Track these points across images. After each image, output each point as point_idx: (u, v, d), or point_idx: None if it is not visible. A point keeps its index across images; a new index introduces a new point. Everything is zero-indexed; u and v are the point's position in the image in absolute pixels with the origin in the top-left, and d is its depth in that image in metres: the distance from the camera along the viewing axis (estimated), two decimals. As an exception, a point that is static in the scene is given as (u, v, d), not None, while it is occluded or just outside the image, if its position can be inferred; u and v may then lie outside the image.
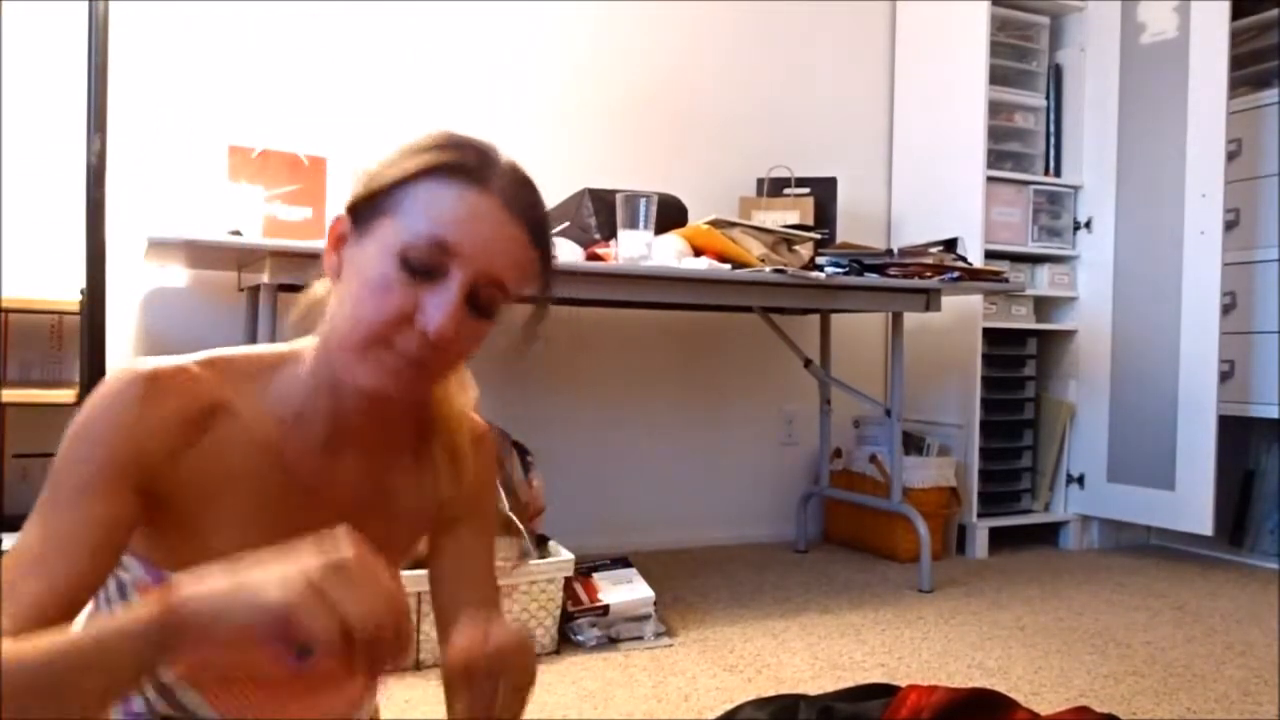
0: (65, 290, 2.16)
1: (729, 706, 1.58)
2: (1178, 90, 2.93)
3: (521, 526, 2.03)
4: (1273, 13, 3.15)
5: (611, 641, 2.06)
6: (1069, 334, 3.27)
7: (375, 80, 2.64)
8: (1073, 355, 3.27)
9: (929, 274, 2.51)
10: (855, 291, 2.53)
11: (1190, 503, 2.89)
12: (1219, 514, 2.88)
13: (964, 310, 3.08)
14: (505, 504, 2.06)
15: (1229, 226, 2.97)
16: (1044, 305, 3.32)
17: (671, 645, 2.07)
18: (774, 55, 3.22)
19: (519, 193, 0.80)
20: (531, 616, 1.96)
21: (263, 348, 0.86)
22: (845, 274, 2.42)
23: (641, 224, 2.23)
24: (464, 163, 0.78)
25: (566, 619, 2.05)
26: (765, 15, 3.20)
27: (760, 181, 3.00)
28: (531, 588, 1.96)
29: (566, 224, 2.41)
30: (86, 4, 2.01)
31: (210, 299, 2.45)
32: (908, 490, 2.85)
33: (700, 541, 3.08)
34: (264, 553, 0.64)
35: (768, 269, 2.30)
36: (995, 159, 3.17)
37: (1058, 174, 3.31)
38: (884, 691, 1.53)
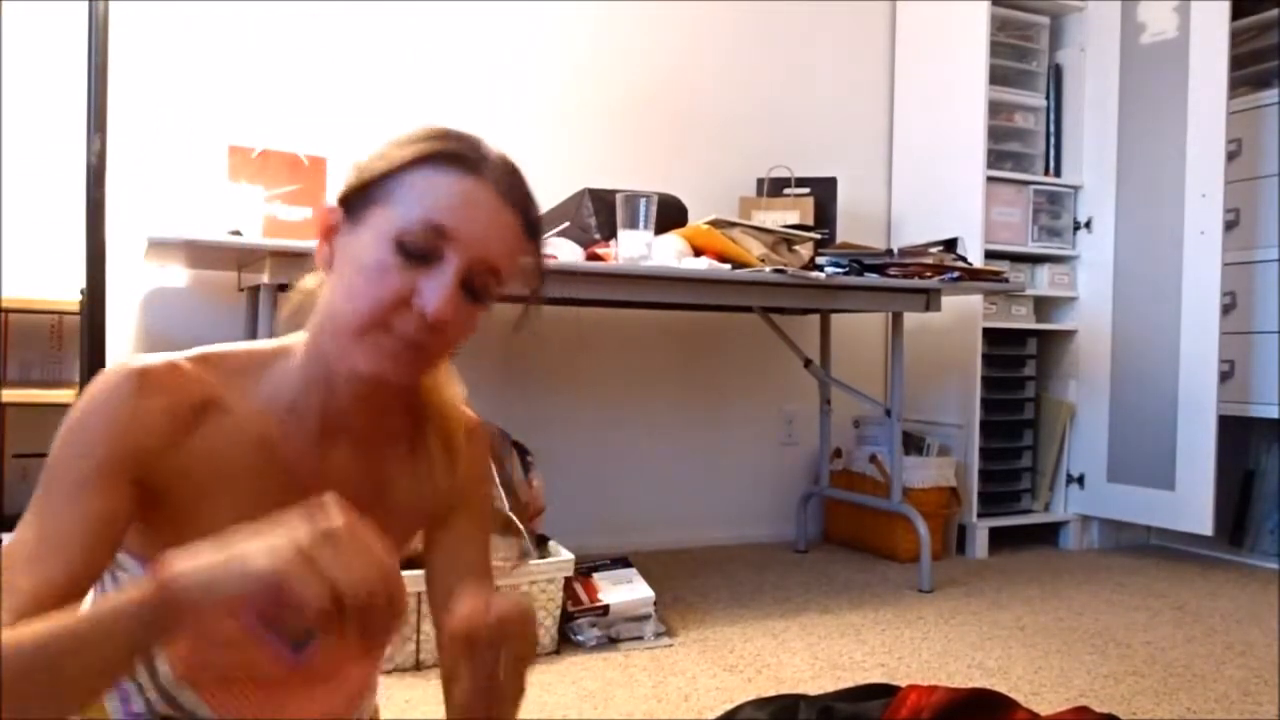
0: (65, 290, 2.16)
1: (729, 706, 1.58)
2: (1178, 90, 2.94)
3: (521, 526, 2.03)
4: (1273, 13, 3.15)
5: (611, 641, 2.06)
6: (1069, 334, 3.28)
7: (375, 80, 2.64)
8: (1073, 355, 3.27)
9: (929, 274, 2.51)
10: (855, 291, 2.53)
11: (1190, 503, 2.89)
12: (1219, 514, 2.89)
13: (964, 310, 3.08)
14: (505, 504, 2.06)
15: (1229, 226, 2.97)
16: (1044, 305, 3.32)
17: (671, 645, 2.07)
18: (774, 55, 3.22)
19: (510, 181, 0.82)
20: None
21: (254, 344, 0.86)
22: (845, 274, 2.42)
23: (641, 224, 2.23)
24: (456, 151, 0.79)
25: (566, 619, 2.05)
26: (765, 15, 3.20)
27: (760, 181, 3.00)
28: (531, 588, 1.97)
29: (566, 224, 2.41)
30: (86, 4, 2.01)
31: (210, 299, 2.45)
32: (908, 490, 2.85)
33: (700, 541, 3.08)
34: (254, 526, 0.65)
35: (768, 269, 2.30)
36: (995, 159, 3.17)
37: (1058, 174, 3.31)
38: (884, 691, 1.53)
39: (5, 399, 1.98)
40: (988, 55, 3.05)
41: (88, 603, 0.82)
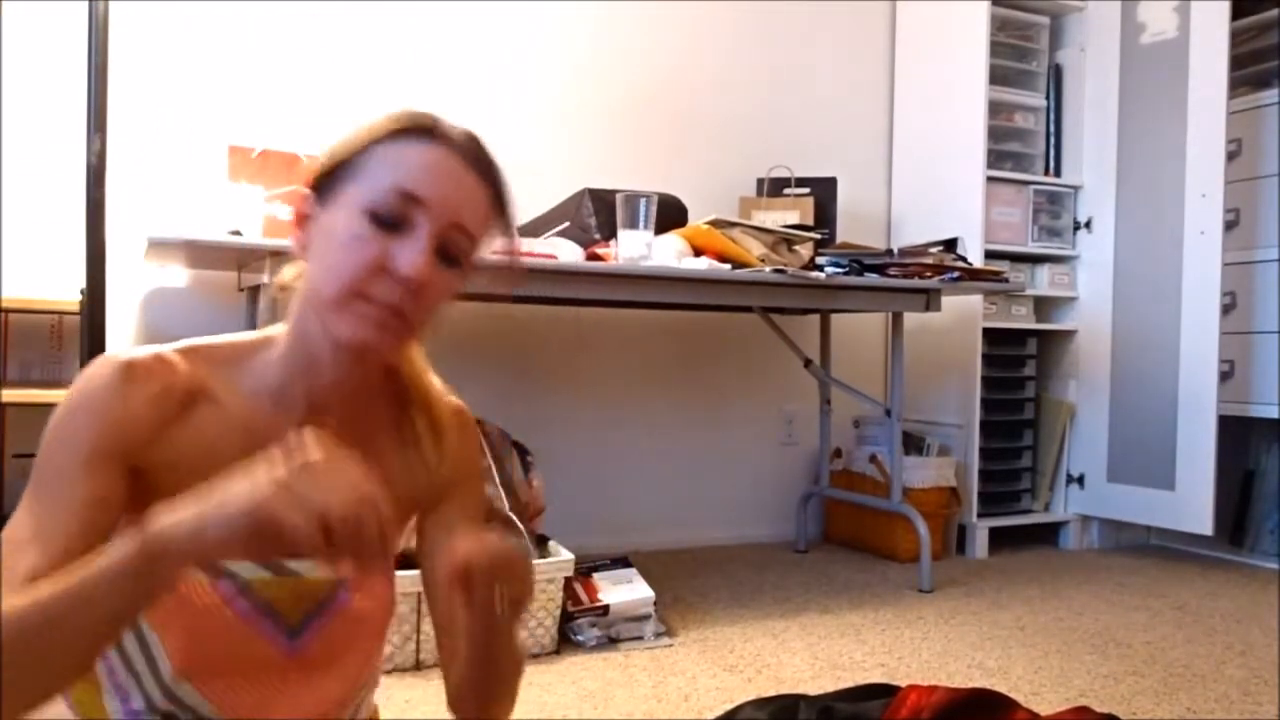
0: (65, 290, 2.16)
1: (729, 706, 1.58)
2: (1178, 90, 2.94)
3: (521, 526, 2.03)
4: (1273, 13, 3.15)
5: (611, 641, 2.06)
6: (1069, 334, 3.28)
7: (375, 80, 2.64)
8: (1073, 355, 3.27)
9: (929, 274, 2.51)
10: (855, 291, 2.53)
11: (1190, 503, 2.89)
12: (1219, 514, 2.89)
13: (964, 310, 3.08)
14: (505, 504, 2.06)
15: (1229, 226, 2.97)
16: (1044, 305, 3.32)
17: (671, 645, 2.07)
18: (774, 55, 3.22)
19: (475, 149, 0.83)
20: (531, 616, 1.96)
21: (239, 335, 0.87)
22: (845, 274, 2.42)
23: (641, 224, 2.23)
24: (418, 124, 0.82)
25: (566, 619, 2.05)
26: (765, 15, 3.20)
27: (760, 181, 3.00)
28: (531, 588, 1.96)
29: (566, 224, 2.41)
30: (86, 4, 2.01)
31: (210, 299, 2.45)
32: (908, 490, 2.85)
33: (700, 541, 3.08)
34: (231, 472, 0.66)
35: (768, 269, 2.30)
36: (995, 159, 3.17)
37: (1058, 174, 3.31)
38: (884, 691, 1.53)
39: (5, 399, 1.98)
40: (988, 55, 3.05)
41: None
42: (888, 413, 2.75)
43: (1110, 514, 3.16)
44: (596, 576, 2.15)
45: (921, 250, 2.63)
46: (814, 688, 1.76)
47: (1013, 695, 1.57)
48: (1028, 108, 3.28)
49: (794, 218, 2.84)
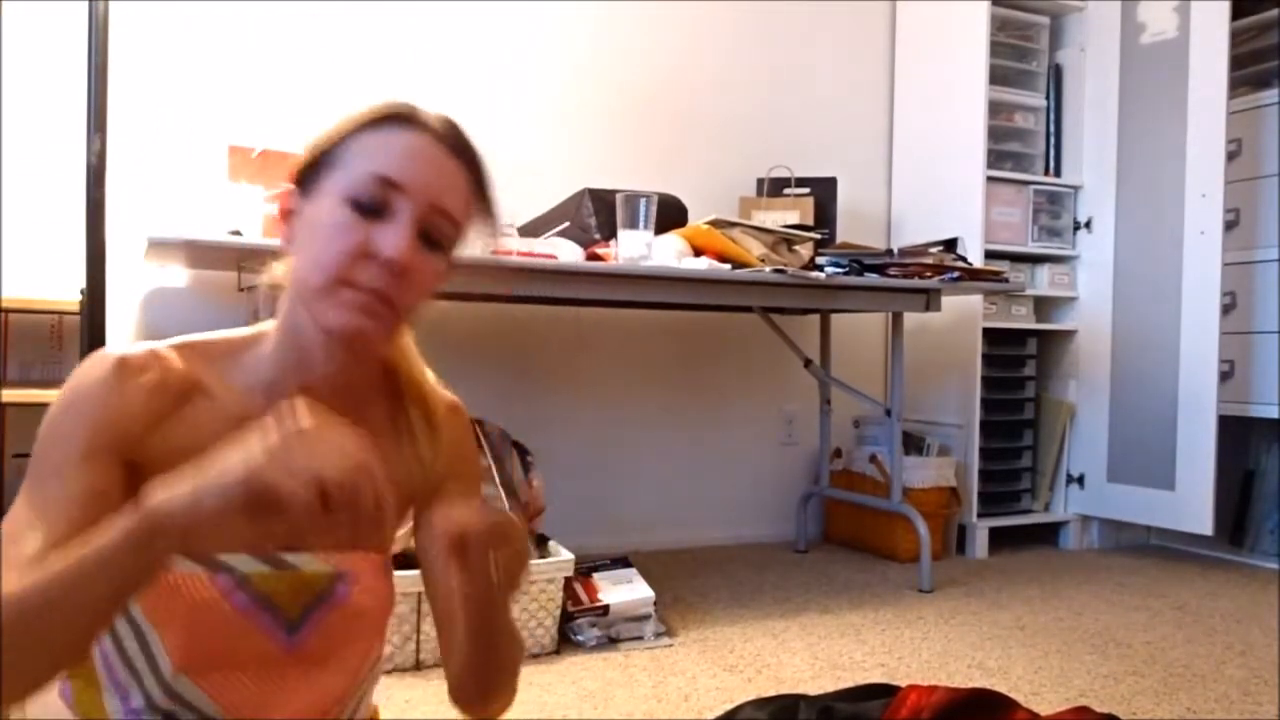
0: (65, 290, 2.16)
1: (729, 706, 1.57)
2: (1178, 90, 2.94)
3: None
4: (1273, 13, 3.15)
5: (611, 641, 2.06)
6: (1069, 334, 3.28)
7: (375, 80, 2.64)
8: (1073, 355, 3.27)
9: (929, 274, 2.51)
10: (855, 291, 2.53)
11: (1190, 503, 2.89)
12: (1219, 514, 2.89)
13: (964, 310, 3.08)
14: (505, 504, 2.06)
15: (1229, 226, 2.97)
16: (1044, 305, 3.32)
17: (671, 645, 2.07)
18: (774, 55, 3.22)
19: (452, 133, 0.84)
20: (531, 616, 1.96)
21: (231, 331, 0.87)
22: (845, 274, 2.42)
23: (641, 224, 2.23)
24: (396, 112, 0.83)
25: (566, 619, 2.05)
26: (765, 15, 3.20)
27: (760, 181, 3.00)
28: (531, 588, 1.96)
29: (566, 224, 2.41)
30: (86, 4, 2.01)
31: (210, 299, 2.45)
32: (908, 490, 2.85)
33: (700, 541, 3.08)
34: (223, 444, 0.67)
35: (768, 269, 2.30)
36: (995, 159, 3.17)
37: (1058, 174, 3.31)
38: (884, 691, 1.53)
39: (5, 399, 1.98)
40: (988, 55, 3.05)
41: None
42: (888, 413, 2.75)
43: (1110, 514, 3.16)
44: (596, 576, 2.15)
45: (921, 250, 2.63)
46: (814, 688, 1.76)
47: (1013, 695, 1.57)
48: (1028, 108, 3.28)
49: (794, 218, 2.84)
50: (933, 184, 3.24)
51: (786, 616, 2.30)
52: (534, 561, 2.00)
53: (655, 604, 2.14)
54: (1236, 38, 2.99)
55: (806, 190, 2.98)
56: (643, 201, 2.23)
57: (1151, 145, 3.03)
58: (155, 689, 0.78)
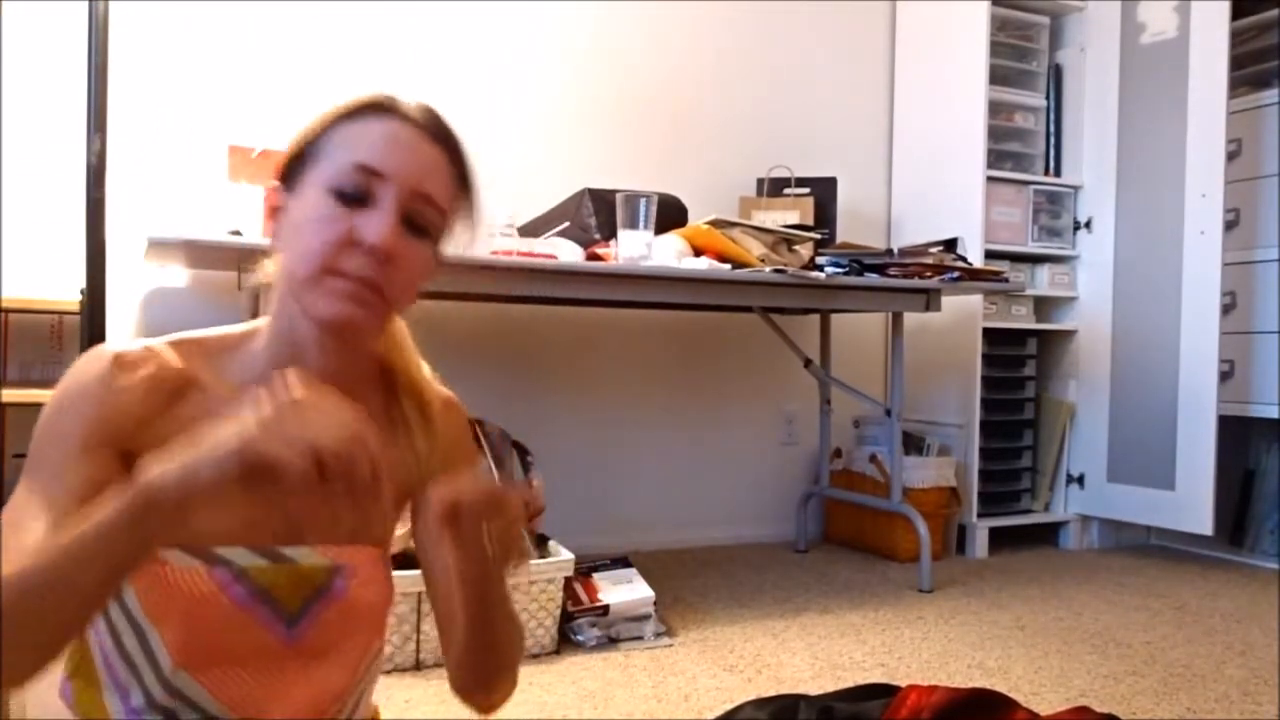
0: (65, 290, 2.16)
1: (729, 706, 1.57)
2: (1178, 90, 2.94)
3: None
4: (1273, 13, 3.15)
5: (611, 641, 2.06)
6: (1069, 334, 3.28)
7: (375, 80, 2.63)
8: (1073, 355, 3.27)
9: (929, 274, 2.51)
10: (855, 291, 2.53)
11: (1190, 503, 2.89)
12: (1219, 514, 2.89)
13: (964, 310, 3.08)
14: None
15: (1229, 226, 2.97)
16: (1044, 305, 3.32)
17: (671, 645, 2.06)
18: (774, 55, 3.22)
19: (431, 119, 0.85)
20: (531, 616, 1.96)
21: (225, 328, 0.88)
22: (845, 274, 2.42)
23: (641, 224, 2.23)
24: (374, 102, 0.85)
25: (566, 619, 2.05)
26: (765, 15, 3.20)
27: (760, 181, 3.00)
28: (531, 588, 1.97)
29: (566, 224, 2.41)
30: (86, 4, 2.01)
31: (210, 299, 2.45)
32: (908, 490, 2.85)
33: (700, 541, 3.08)
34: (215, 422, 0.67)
35: (768, 269, 2.30)
36: (995, 159, 3.17)
37: (1058, 174, 3.31)
38: (884, 691, 1.53)
39: (5, 399, 1.98)
40: (988, 55, 3.05)
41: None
42: (888, 413, 2.75)
43: (1110, 514, 3.16)
44: (596, 576, 2.15)
45: (921, 250, 2.62)
46: (814, 688, 1.76)
47: (1013, 695, 1.56)
48: (1028, 108, 3.28)
49: (794, 218, 2.84)
50: (933, 184, 3.24)
51: (786, 616, 2.30)
52: (534, 561, 2.00)
53: (655, 604, 2.14)
54: (1236, 38, 2.99)
55: (806, 190, 2.98)
56: (643, 201, 2.23)
57: (1151, 145, 3.03)
58: (155, 686, 0.78)
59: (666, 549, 2.97)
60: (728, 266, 2.29)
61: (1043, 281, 3.26)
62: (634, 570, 2.19)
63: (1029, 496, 3.27)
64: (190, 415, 0.79)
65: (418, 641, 1.89)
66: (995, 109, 3.14)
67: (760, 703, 1.53)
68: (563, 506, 2.50)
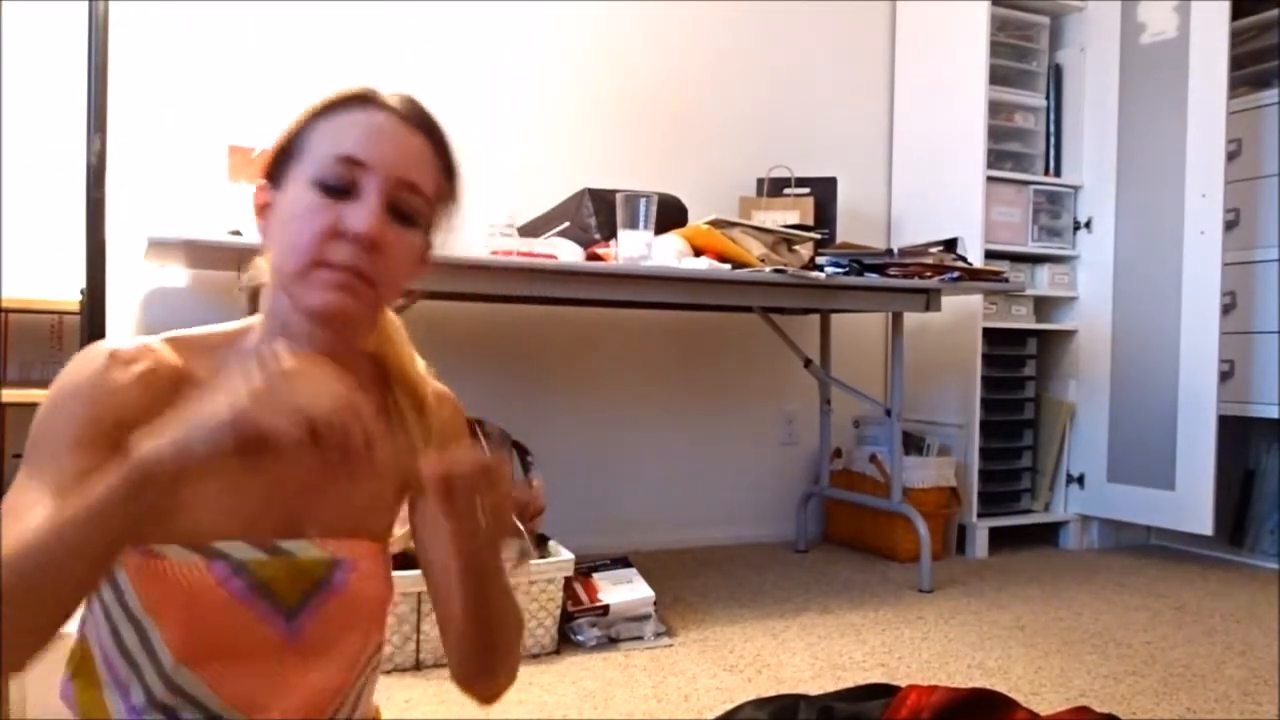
0: (65, 290, 2.16)
1: (729, 706, 1.57)
2: (1178, 90, 2.94)
3: (521, 526, 2.02)
4: (1273, 13, 3.15)
5: (611, 641, 2.06)
6: (1069, 334, 3.28)
7: (375, 80, 2.64)
8: (1073, 355, 3.27)
9: (929, 274, 2.51)
10: (855, 291, 2.53)
11: (1190, 503, 2.89)
12: (1219, 514, 2.89)
13: (964, 310, 3.08)
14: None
15: (1229, 226, 2.97)
16: (1044, 305, 3.32)
17: (671, 645, 2.06)
18: (774, 55, 3.22)
19: (410, 107, 0.86)
20: (531, 616, 1.96)
21: (220, 325, 0.88)
22: (845, 274, 2.42)
23: (641, 224, 2.23)
24: (352, 94, 0.85)
25: (566, 619, 2.05)
26: (765, 15, 3.20)
27: (760, 181, 3.00)
28: (531, 588, 1.97)
29: (566, 224, 2.41)
30: (86, 4, 2.01)
31: (210, 299, 2.45)
32: (908, 490, 2.85)
33: (700, 541, 3.08)
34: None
35: (768, 269, 2.30)
36: (995, 159, 3.17)
37: (1058, 174, 3.31)
38: (884, 691, 1.53)
39: (5, 399, 1.98)
40: (988, 55, 3.05)
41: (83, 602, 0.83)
42: (888, 413, 2.75)
43: (1110, 514, 3.16)
44: (596, 576, 2.15)
45: (921, 250, 2.62)
46: (814, 688, 1.76)
47: (1013, 695, 1.56)
48: (1028, 108, 3.28)
49: (794, 218, 2.84)
50: (933, 184, 3.24)
51: (786, 616, 2.30)
52: (534, 561, 2.00)
53: (655, 604, 2.14)
54: (1236, 38, 2.99)
55: (806, 190, 2.98)
56: (643, 201, 2.23)
57: (1151, 145, 3.03)
58: (156, 683, 0.78)
59: (666, 549, 2.97)
60: (728, 266, 2.29)
61: (1043, 281, 3.26)
62: (634, 570, 2.19)
63: (1029, 496, 3.27)
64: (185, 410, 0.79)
65: (418, 641, 1.89)
66: (995, 109, 3.14)
67: (760, 703, 1.53)
68: (563, 506, 2.50)
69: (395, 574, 0.95)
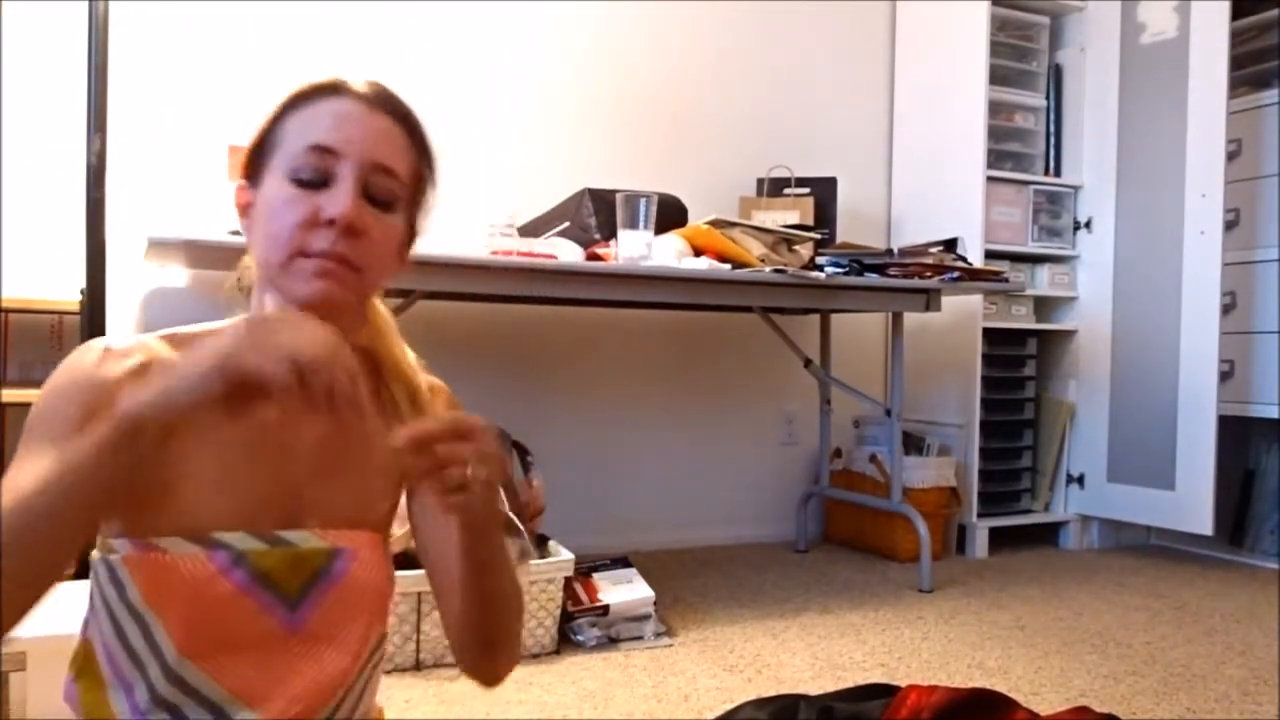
0: (65, 290, 2.16)
1: (729, 706, 1.57)
2: (1178, 90, 2.94)
3: (521, 526, 2.03)
4: (1273, 13, 3.15)
5: (611, 641, 2.06)
6: (1069, 334, 3.28)
7: (387, 84, 2.64)
8: (1073, 355, 3.27)
9: (929, 274, 2.51)
10: (855, 291, 2.53)
11: (1190, 503, 2.89)
12: (1219, 514, 2.89)
13: (964, 310, 3.08)
14: (505, 504, 2.06)
15: (1229, 226, 2.97)
16: (1044, 305, 3.32)
17: (671, 645, 2.07)
18: (774, 55, 3.22)
19: (378, 92, 0.87)
20: (532, 616, 1.96)
21: (213, 322, 0.89)
22: (845, 274, 2.42)
23: (641, 224, 2.23)
24: (318, 86, 0.86)
25: (566, 619, 2.05)
26: (765, 15, 3.20)
27: (760, 181, 3.00)
28: (531, 588, 1.96)
29: (566, 224, 2.41)
30: (86, 4, 2.01)
31: (210, 299, 2.45)
32: (908, 490, 2.85)
33: (700, 541, 3.08)
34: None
35: (768, 269, 2.30)
36: (995, 159, 3.17)
37: (1058, 174, 3.31)
38: (884, 691, 1.53)
39: (5, 399, 1.98)
40: (988, 55, 3.05)
41: (84, 598, 0.83)
42: (888, 413, 2.75)
43: (1110, 514, 3.16)
44: (596, 576, 2.15)
45: (921, 250, 2.62)
46: (814, 688, 1.76)
47: (1013, 695, 1.56)
48: (1028, 108, 3.28)
49: (794, 218, 2.84)
50: (933, 184, 3.24)
51: (786, 616, 2.30)
52: (534, 561, 2.00)
53: (655, 604, 2.14)
54: (1236, 38, 2.99)
55: (806, 190, 2.98)
56: (643, 201, 2.23)
57: (1151, 145, 3.03)
58: (159, 678, 0.78)
59: (666, 549, 2.97)
60: (728, 266, 2.29)
61: (1043, 281, 3.26)
62: (634, 570, 2.19)
63: (1029, 496, 3.27)
64: None
65: (418, 641, 1.89)
66: (995, 109, 3.14)
67: (760, 703, 1.53)
68: (563, 506, 2.50)
69: (396, 574, 0.95)
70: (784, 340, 2.92)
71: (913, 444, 3.07)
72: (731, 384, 3.19)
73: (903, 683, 1.55)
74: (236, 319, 0.88)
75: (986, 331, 3.09)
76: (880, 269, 2.49)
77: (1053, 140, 3.32)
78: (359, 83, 0.87)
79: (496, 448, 0.79)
